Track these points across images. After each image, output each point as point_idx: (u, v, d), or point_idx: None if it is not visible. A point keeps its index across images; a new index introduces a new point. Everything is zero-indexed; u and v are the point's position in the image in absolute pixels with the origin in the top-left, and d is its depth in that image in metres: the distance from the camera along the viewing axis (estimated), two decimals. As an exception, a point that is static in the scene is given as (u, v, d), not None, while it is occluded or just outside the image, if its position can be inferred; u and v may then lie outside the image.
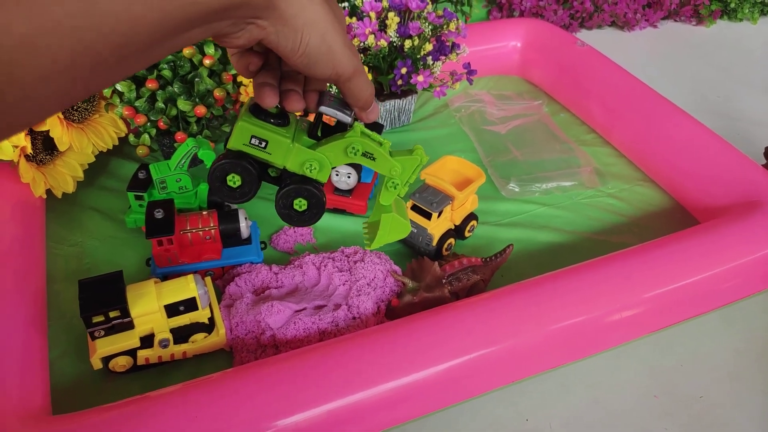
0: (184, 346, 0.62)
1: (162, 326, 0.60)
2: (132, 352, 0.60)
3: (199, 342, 0.62)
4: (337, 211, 0.84)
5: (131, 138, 0.82)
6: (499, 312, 0.62)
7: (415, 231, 0.75)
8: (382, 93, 1.00)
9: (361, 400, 0.54)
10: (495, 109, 1.09)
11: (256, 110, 0.38)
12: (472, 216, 0.81)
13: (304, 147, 0.39)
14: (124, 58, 0.25)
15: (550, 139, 1.02)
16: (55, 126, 0.70)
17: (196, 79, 0.79)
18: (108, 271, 0.60)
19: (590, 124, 1.07)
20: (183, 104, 0.78)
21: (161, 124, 0.80)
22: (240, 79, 0.81)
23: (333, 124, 0.40)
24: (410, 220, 0.75)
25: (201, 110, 0.79)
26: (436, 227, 0.75)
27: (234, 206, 0.76)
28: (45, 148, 0.75)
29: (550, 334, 0.62)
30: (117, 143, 0.82)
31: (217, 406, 0.51)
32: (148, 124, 0.80)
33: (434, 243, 0.75)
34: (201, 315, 0.62)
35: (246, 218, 0.71)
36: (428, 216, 0.75)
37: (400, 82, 0.94)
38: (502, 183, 0.92)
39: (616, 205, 0.90)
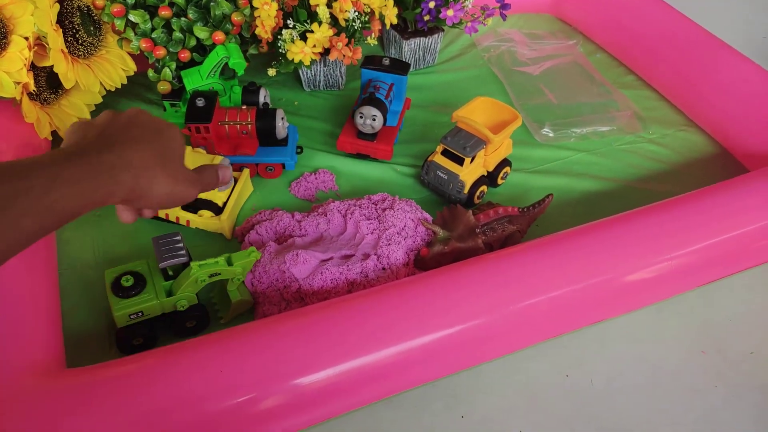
0: (189, 215, 0.65)
1: None
2: None
3: (204, 218, 0.65)
4: (360, 156, 0.79)
5: (151, 74, 0.76)
6: (536, 265, 0.57)
7: (446, 177, 0.70)
8: (407, 30, 0.93)
9: (392, 356, 0.51)
10: (526, 49, 1.02)
11: (116, 289, 0.54)
12: (505, 162, 0.76)
13: (166, 298, 0.55)
14: None
15: (585, 81, 0.96)
16: (59, 61, 0.65)
17: (212, 3, 0.72)
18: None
19: (629, 65, 1.00)
20: (200, 31, 0.72)
21: (183, 56, 0.74)
22: (255, 3, 0.75)
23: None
24: (441, 165, 0.70)
25: (219, 37, 0.73)
26: (469, 173, 0.70)
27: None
28: (49, 86, 0.70)
29: (590, 287, 0.58)
30: (126, 82, 0.77)
31: (241, 361, 0.48)
32: (167, 57, 0.74)
33: (466, 191, 0.70)
34: (215, 195, 0.65)
35: (283, 118, 0.73)
36: (460, 161, 0.69)
37: (427, 17, 0.87)
38: (536, 127, 0.86)
39: (657, 152, 0.85)
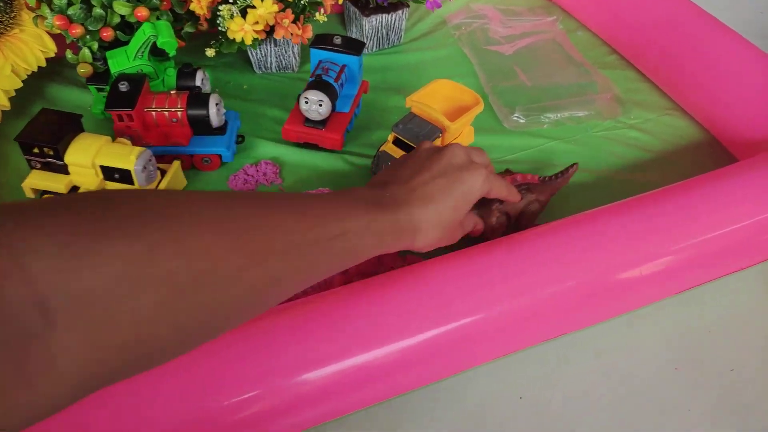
0: None
1: (91, 184, 0.59)
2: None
3: None
4: (308, 145, 0.71)
5: (69, 55, 0.69)
6: (483, 271, 0.50)
7: None
8: (368, 6, 0.85)
9: (325, 377, 0.44)
10: (500, 26, 0.93)
11: None
12: None
13: None
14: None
15: (564, 61, 0.88)
16: (-42, 42, 0.58)
17: (134, -26, 0.65)
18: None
19: (612, 43, 0.92)
20: (120, 6, 0.65)
21: (105, 35, 0.66)
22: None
23: None
24: (392, 156, 0.63)
25: (143, 13, 0.65)
26: None
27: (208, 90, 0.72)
28: (-47, 70, 0.63)
29: (550, 296, 0.51)
30: (44, 64, 0.70)
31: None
32: (87, 36, 0.67)
33: None
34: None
35: (218, 104, 0.66)
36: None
37: (386, -10, 0.79)
38: (506, 113, 0.78)
39: (640, 139, 0.77)
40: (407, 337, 0.46)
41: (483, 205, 0.57)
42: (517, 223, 0.61)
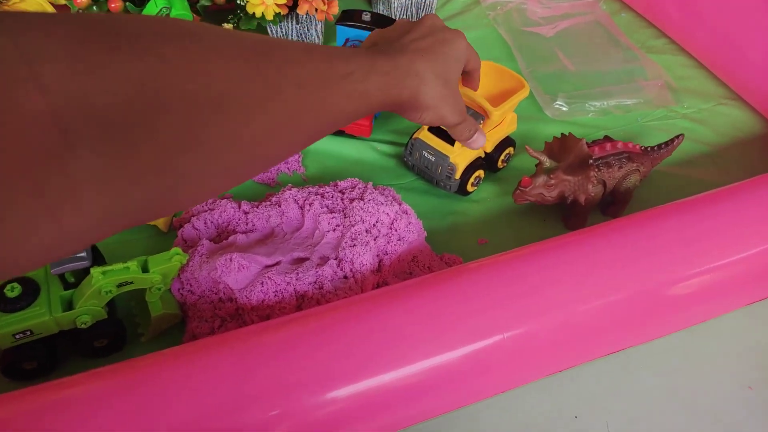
0: None
1: None
2: None
3: None
4: (335, 132, 0.65)
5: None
6: (534, 279, 0.44)
7: (433, 159, 0.57)
8: (397, -18, 0.79)
9: (346, 400, 0.38)
10: (539, 6, 0.86)
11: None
12: (508, 141, 0.62)
13: (62, 312, 0.42)
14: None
15: (608, 44, 0.81)
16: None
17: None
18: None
19: (660, 26, 0.85)
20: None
21: (113, 5, 0.61)
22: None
23: None
24: (427, 144, 0.57)
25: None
26: (461, 155, 0.57)
27: None
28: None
29: (606, 306, 0.45)
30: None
31: (141, 408, 0.35)
32: (94, 7, 0.61)
33: (457, 175, 0.57)
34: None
35: None
36: (452, 140, 0.56)
37: (419, -36, 0.73)
38: (547, 100, 0.72)
39: (693, 130, 0.70)
40: (449, 350, 0.41)
41: (580, 171, 0.54)
42: (613, 194, 0.58)
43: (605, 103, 0.72)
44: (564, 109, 0.71)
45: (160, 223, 0.54)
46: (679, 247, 0.48)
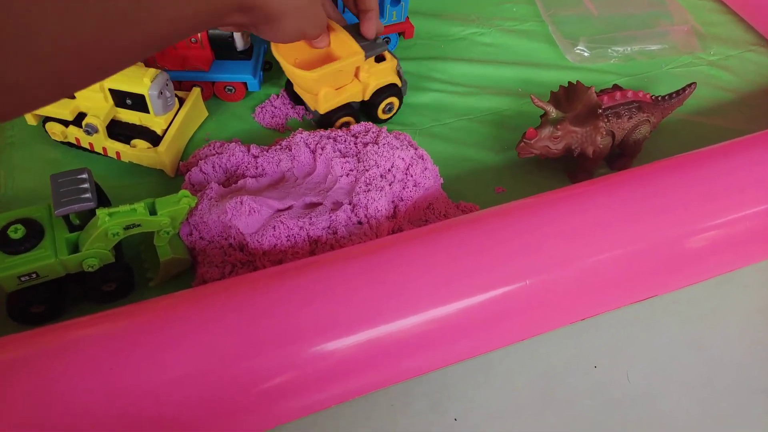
0: (118, 146, 0.52)
1: (100, 111, 0.51)
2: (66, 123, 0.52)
3: (138, 149, 0.52)
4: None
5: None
6: (560, 225, 0.42)
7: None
8: None
9: (364, 344, 0.37)
10: (560, -53, 0.82)
11: (2, 243, 0.40)
12: (392, 91, 0.57)
13: (68, 255, 0.41)
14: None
15: (633, -13, 0.77)
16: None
17: None
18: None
19: (687, -32, 0.81)
20: None
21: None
22: None
23: None
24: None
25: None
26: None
27: None
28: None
29: (633, 254, 0.43)
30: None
31: (146, 352, 0.34)
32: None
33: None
34: (151, 120, 0.52)
35: None
36: None
37: None
38: (568, 45, 0.69)
39: (720, 77, 0.68)
40: (470, 296, 0.39)
41: (589, 122, 0.51)
42: (622, 146, 0.55)
43: (629, 48, 0.69)
44: (585, 54, 0.68)
45: (167, 167, 0.52)
46: (702, 195, 0.46)
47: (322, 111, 0.53)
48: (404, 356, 0.39)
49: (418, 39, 0.69)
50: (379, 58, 0.55)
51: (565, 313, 0.43)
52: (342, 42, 0.52)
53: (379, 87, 0.55)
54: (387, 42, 0.57)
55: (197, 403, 0.34)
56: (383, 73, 0.55)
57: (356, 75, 0.54)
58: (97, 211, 0.40)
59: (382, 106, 0.57)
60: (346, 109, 0.55)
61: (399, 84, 0.57)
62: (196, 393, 0.34)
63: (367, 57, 0.52)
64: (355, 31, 0.53)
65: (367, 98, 0.56)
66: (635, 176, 0.48)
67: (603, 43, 0.68)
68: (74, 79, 0.26)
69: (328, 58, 0.52)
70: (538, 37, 0.71)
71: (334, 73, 0.51)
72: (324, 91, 0.52)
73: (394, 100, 0.57)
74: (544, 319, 0.42)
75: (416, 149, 0.51)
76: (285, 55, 0.51)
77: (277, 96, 0.60)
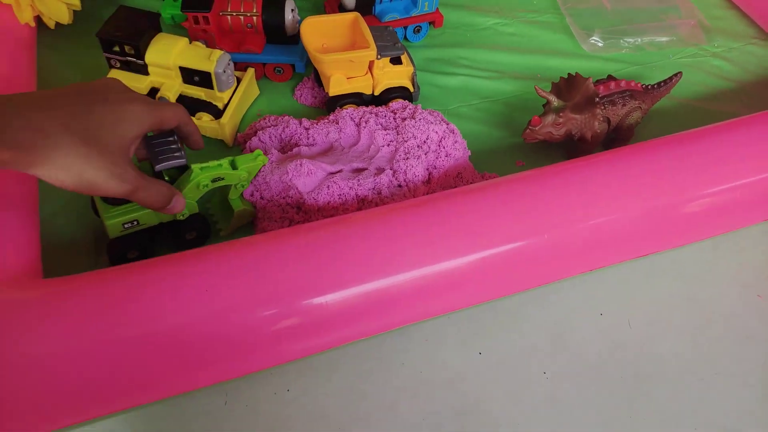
0: None
1: (171, 87, 0.58)
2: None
3: (202, 121, 0.59)
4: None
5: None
6: (575, 188, 0.49)
7: None
8: None
9: (403, 283, 0.44)
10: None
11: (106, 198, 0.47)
12: (400, 94, 0.62)
13: None
14: None
15: (645, -17, 0.83)
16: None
17: None
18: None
19: (697, -34, 0.86)
20: None
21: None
22: None
23: None
24: None
25: None
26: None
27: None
28: (29, -35, 0.61)
29: (638, 216, 0.50)
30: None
31: (233, 279, 0.42)
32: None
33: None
34: (215, 96, 0.58)
35: (294, 10, 0.64)
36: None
37: None
38: (583, 36, 0.75)
39: (722, 68, 0.74)
40: (491, 247, 0.46)
41: (587, 110, 0.57)
42: (616, 131, 0.61)
43: (639, 39, 0.75)
44: (599, 44, 0.74)
45: (227, 137, 0.59)
46: (701, 163, 0.53)
47: (330, 93, 0.60)
48: (439, 294, 0.46)
49: (447, 28, 0.75)
50: (397, 61, 0.62)
51: (577, 263, 0.50)
52: (364, 38, 0.59)
53: (389, 86, 0.61)
54: (402, 49, 0.61)
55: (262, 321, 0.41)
56: (396, 75, 0.61)
57: (370, 70, 0.60)
58: (192, 166, 0.47)
59: (389, 104, 0.62)
60: (355, 98, 0.61)
61: (411, 89, 0.63)
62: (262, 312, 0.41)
63: (379, 56, 0.58)
64: (382, 32, 0.60)
65: (377, 93, 0.62)
66: (642, 148, 0.54)
67: (616, 35, 0.75)
68: None
69: (352, 49, 0.59)
70: (556, 28, 0.77)
71: (345, 61, 0.58)
72: (336, 76, 0.59)
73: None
74: (560, 268, 0.49)
75: (447, 124, 0.58)
76: (311, 38, 0.58)
77: (309, 78, 0.67)
